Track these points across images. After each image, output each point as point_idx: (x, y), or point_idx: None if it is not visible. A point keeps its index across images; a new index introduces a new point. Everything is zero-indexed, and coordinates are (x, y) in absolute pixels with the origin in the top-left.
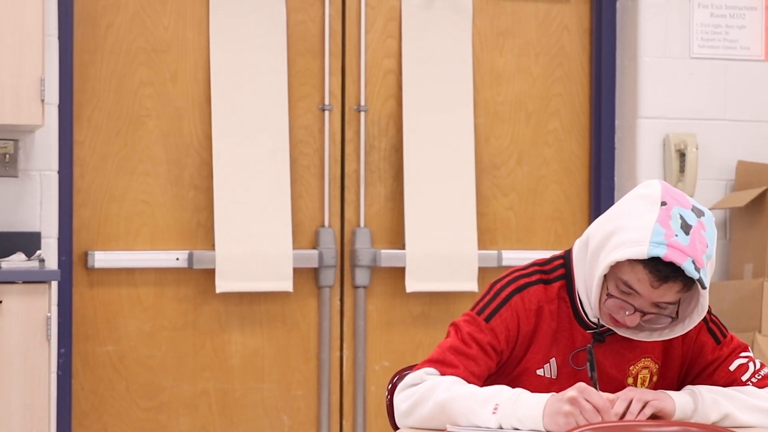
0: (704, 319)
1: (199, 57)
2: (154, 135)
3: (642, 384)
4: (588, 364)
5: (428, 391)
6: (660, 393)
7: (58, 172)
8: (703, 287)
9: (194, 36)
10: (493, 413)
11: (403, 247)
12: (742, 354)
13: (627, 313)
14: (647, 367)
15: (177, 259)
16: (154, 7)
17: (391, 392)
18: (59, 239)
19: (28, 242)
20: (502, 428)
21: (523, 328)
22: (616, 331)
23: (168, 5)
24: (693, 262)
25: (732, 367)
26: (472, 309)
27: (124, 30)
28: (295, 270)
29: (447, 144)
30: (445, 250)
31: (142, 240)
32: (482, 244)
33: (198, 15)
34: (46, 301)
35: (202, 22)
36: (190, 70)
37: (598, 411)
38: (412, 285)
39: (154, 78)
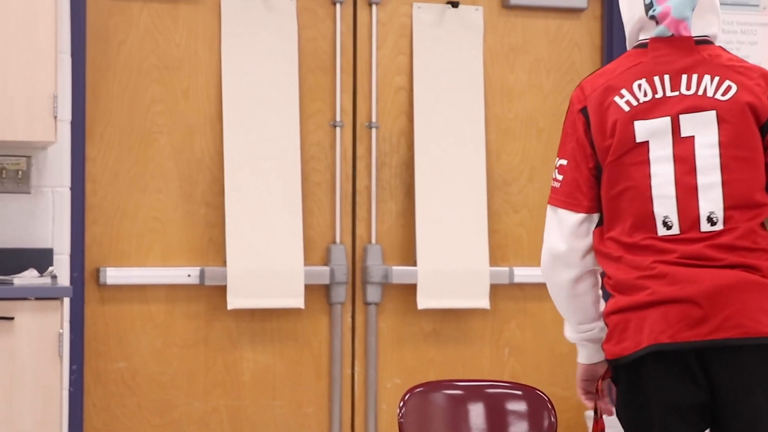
0: None
1: (210, 74)
2: (165, 152)
3: None
4: None
5: None
6: None
7: (71, 189)
8: None
9: (206, 53)
10: None
11: (414, 264)
12: None
13: None
14: None
15: (188, 275)
16: (166, 24)
17: (403, 408)
18: (71, 255)
19: (41, 258)
20: None
21: None
22: None
23: (180, 22)
24: None
25: None
26: None
27: (137, 47)
28: (307, 287)
29: (458, 160)
30: (456, 267)
31: (154, 256)
32: (494, 260)
33: (210, 32)
34: (58, 318)
35: (213, 40)
36: (202, 87)
37: None
38: (423, 302)
39: (166, 95)
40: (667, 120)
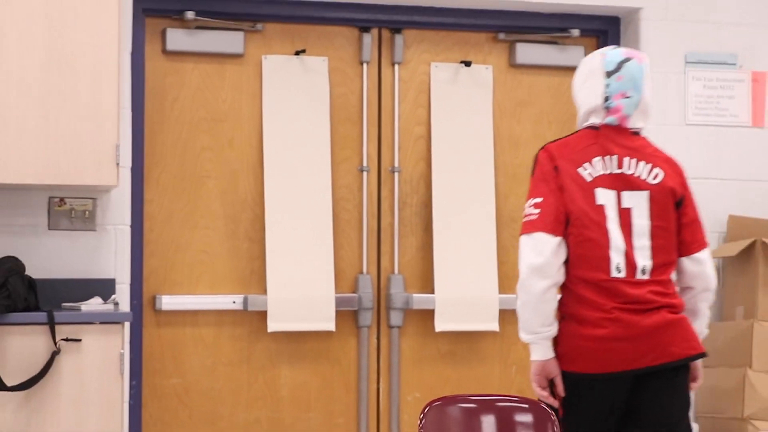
0: None
1: (253, 125)
2: (213, 194)
3: None
4: None
5: None
6: None
7: (131, 226)
8: None
9: (249, 107)
10: None
11: (432, 292)
12: None
13: None
14: None
15: (234, 302)
16: (214, 82)
17: (423, 420)
18: (131, 285)
19: (104, 288)
20: None
21: None
22: None
23: (226, 81)
24: None
25: None
26: None
27: (188, 103)
28: (337, 312)
29: (471, 201)
30: (470, 295)
31: (203, 285)
32: (502, 288)
33: (252, 89)
34: (119, 340)
35: (255, 96)
36: (245, 136)
37: None
38: (440, 325)
39: (214, 144)
40: (614, 192)
